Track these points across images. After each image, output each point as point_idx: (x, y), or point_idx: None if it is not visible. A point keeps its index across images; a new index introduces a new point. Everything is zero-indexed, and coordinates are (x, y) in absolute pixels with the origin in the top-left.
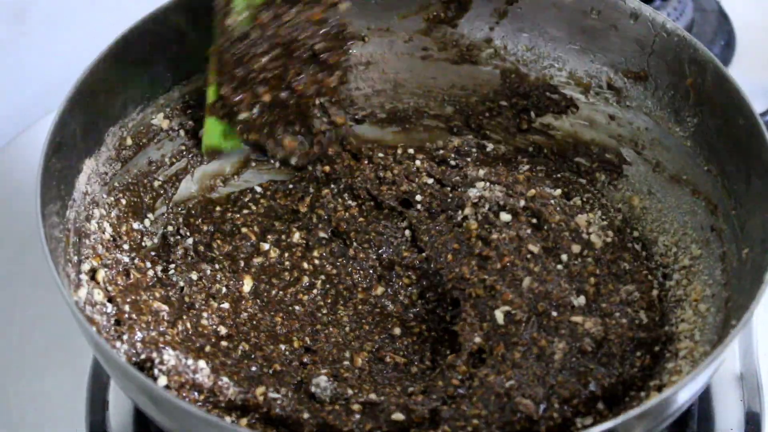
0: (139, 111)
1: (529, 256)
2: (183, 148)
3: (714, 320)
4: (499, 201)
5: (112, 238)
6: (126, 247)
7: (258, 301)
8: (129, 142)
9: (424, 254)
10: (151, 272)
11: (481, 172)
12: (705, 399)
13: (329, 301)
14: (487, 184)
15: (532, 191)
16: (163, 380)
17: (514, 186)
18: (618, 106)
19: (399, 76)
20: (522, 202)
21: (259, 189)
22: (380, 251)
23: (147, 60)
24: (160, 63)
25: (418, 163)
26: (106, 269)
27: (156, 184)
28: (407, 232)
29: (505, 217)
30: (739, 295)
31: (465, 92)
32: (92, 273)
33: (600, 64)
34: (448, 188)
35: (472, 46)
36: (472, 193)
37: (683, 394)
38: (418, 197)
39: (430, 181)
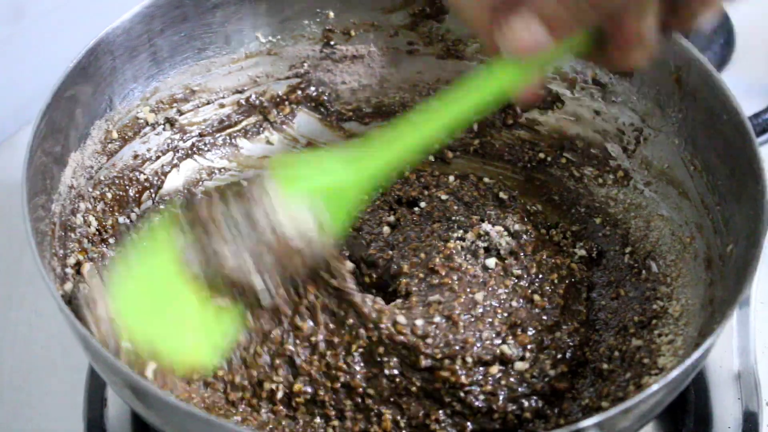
0: (125, 104)
1: (471, 295)
2: (169, 141)
3: (698, 317)
4: (499, 248)
5: (97, 232)
6: (112, 241)
7: None
8: (115, 135)
9: (390, 252)
10: None
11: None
12: (702, 397)
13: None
14: (502, 229)
15: (534, 267)
16: (152, 369)
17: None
18: (603, 101)
19: (385, 70)
20: (518, 271)
21: (245, 183)
22: (351, 248)
23: (133, 53)
24: (146, 56)
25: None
26: (91, 263)
27: (142, 177)
28: (386, 229)
29: (489, 261)
30: (723, 292)
31: (451, 87)
32: (77, 267)
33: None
34: (462, 208)
35: (458, 41)
36: (485, 227)
37: (665, 391)
38: (423, 204)
39: (444, 197)
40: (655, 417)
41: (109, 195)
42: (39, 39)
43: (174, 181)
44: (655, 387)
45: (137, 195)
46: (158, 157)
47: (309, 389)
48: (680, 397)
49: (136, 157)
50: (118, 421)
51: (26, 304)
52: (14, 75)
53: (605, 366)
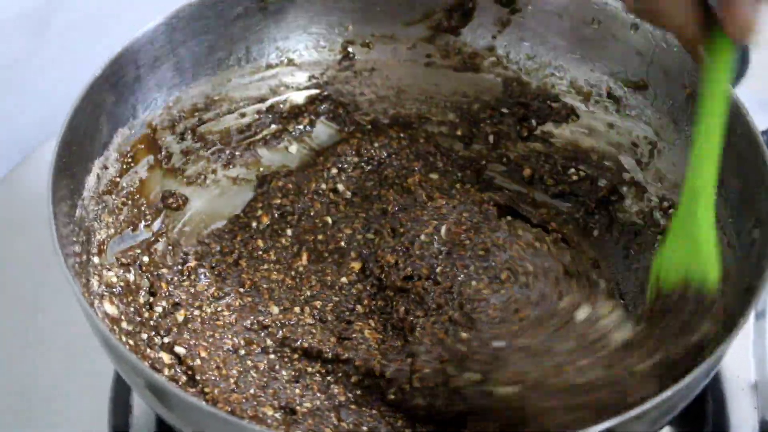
0: (148, 113)
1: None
2: (190, 150)
3: None
4: None
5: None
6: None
7: None
8: (137, 143)
9: None
10: None
11: None
12: (719, 407)
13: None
14: None
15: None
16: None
17: None
18: (617, 114)
19: (402, 82)
20: None
21: None
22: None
23: (156, 63)
24: (169, 66)
25: None
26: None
27: (163, 186)
28: None
29: None
30: (736, 304)
31: (467, 99)
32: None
33: (600, 74)
34: None
35: (474, 54)
36: None
37: (677, 396)
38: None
39: None
40: (673, 427)
41: (131, 202)
42: (64, 51)
43: (195, 190)
44: (668, 393)
45: (158, 205)
46: (180, 166)
47: None
48: (698, 406)
49: (157, 165)
50: (144, 428)
51: (53, 311)
52: (39, 87)
53: None
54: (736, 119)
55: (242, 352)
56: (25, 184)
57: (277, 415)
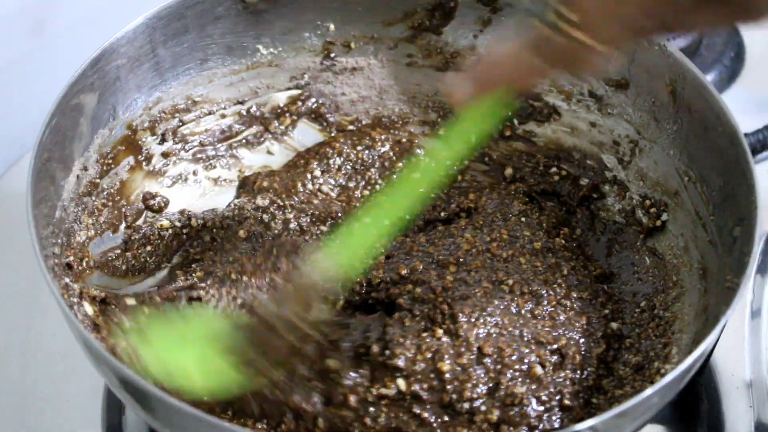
0: (129, 114)
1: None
2: (170, 151)
3: (692, 326)
4: None
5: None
6: (112, 255)
7: None
8: (117, 144)
9: None
10: None
11: None
12: (714, 406)
13: None
14: None
15: None
16: None
17: None
18: (599, 113)
19: (384, 82)
20: None
21: None
22: None
23: (136, 64)
24: (149, 67)
25: None
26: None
27: (143, 187)
28: None
29: None
30: (717, 301)
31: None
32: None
33: None
34: None
35: (456, 53)
36: None
37: (658, 396)
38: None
39: None
40: (667, 426)
41: (111, 204)
42: (58, 54)
43: (176, 191)
44: (649, 392)
45: (138, 206)
46: (160, 167)
47: None
48: (692, 405)
49: (137, 166)
50: (137, 428)
51: (48, 314)
52: (34, 89)
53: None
54: (718, 118)
55: None
56: (20, 186)
57: None
